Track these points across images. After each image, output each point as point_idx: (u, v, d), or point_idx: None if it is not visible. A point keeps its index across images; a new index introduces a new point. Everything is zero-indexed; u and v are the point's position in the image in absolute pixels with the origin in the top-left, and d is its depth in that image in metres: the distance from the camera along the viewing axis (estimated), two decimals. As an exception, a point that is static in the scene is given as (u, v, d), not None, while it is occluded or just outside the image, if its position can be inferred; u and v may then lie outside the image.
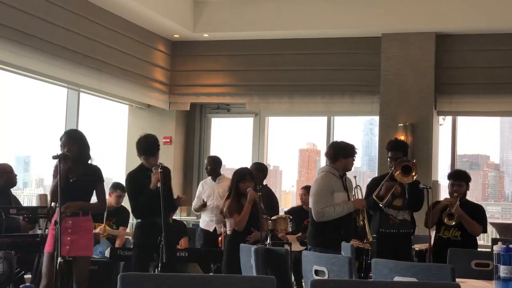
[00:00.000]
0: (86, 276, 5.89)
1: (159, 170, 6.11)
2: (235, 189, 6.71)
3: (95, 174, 5.97)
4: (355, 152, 6.57)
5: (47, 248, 5.76)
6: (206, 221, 8.57)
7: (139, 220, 6.46)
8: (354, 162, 6.62)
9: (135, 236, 6.58)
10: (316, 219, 6.35)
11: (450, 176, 6.92)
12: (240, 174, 6.77)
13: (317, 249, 6.23)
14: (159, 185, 6.08)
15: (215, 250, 7.82)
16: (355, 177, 6.79)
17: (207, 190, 8.62)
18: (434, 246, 6.66)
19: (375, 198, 6.62)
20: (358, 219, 6.51)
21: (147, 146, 6.39)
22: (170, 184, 6.57)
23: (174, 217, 8.12)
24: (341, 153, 6.51)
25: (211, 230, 8.44)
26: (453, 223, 6.54)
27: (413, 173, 6.58)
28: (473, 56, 9.82)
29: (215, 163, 8.69)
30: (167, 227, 6.11)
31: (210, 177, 8.76)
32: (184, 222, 9.30)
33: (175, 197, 6.65)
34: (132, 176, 6.48)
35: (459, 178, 6.82)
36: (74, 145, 5.82)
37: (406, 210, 6.78)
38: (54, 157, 5.57)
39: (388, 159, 6.91)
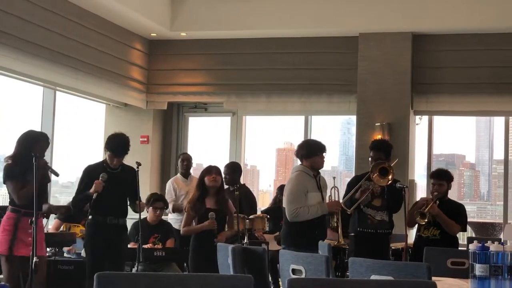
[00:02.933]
0: (45, 276, 5.91)
1: (101, 179, 6.16)
2: (200, 183, 6.68)
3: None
4: (321, 150, 6.42)
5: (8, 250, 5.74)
6: (180, 221, 8.51)
7: (89, 217, 6.41)
8: (323, 160, 6.45)
9: (85, 233, 6.59)
10: (289, 219, 6.27)
11: (431, 175, 6.91)
12: (206, 169, 6.71)
13: (292, 249, 6.19)
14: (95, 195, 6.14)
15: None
16: (334, 178, 6.75)
17: (183, 189, 8.60)
18: (414, 245, 6.67)
19: (343, 206, 6.51)
20: (331, 221, 6.47)
21: (115, 144, 6.35)
22: (135, 185, 6.42)
23: (163, 217, 8.10)
24: (301, 152, 6.45)
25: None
26: (424, 222, 6.55)
27: (389, 176, 6.50)
28: (449, 56, 9.90)
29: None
30: (118, 227, 6.29)
31: (180, 175, 8.74)
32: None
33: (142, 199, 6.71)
34: (88, 169, 6.43)
35: (439, 177, 6.80)
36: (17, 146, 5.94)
37: (385, 211, 6.69)
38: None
39: (370, 158, 6.82)
